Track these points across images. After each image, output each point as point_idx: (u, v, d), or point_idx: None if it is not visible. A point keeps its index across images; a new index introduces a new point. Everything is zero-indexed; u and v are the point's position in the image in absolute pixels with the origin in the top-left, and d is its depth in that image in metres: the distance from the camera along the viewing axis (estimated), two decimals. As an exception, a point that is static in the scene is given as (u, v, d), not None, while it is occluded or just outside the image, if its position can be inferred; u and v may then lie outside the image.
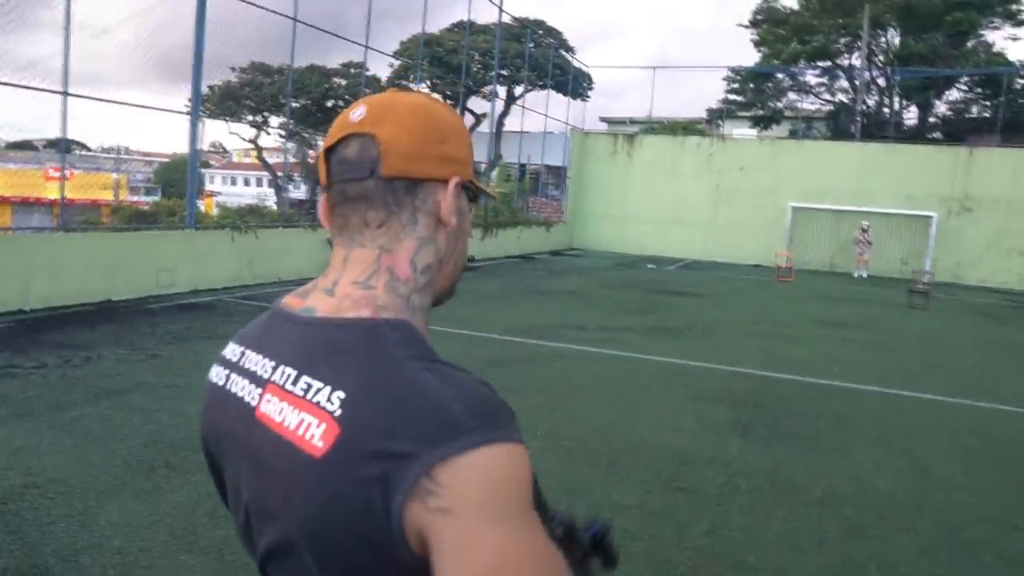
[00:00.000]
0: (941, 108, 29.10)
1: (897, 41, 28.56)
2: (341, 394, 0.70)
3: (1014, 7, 26.59)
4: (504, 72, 26.91)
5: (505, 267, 17.39)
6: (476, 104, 33.38)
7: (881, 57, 29.32)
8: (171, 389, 5.59)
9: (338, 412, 0.69)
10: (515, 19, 25.60)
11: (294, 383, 0.75)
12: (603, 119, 32.20)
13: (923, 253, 20.74)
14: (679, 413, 5.90)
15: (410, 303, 0.81)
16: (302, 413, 0.72)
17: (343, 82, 25.36)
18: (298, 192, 25.47)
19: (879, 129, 26.95)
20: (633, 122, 31.48)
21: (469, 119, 31.63)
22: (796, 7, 29.74)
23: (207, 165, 40.63)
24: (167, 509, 3.58)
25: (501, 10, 19.82)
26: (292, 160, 24.68)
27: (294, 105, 20.49)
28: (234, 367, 0.85)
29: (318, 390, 0.72)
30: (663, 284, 15.35)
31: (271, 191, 25.62)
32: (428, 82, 26.76)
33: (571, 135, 25.32)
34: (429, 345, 0.76)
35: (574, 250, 23.72)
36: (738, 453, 4.97)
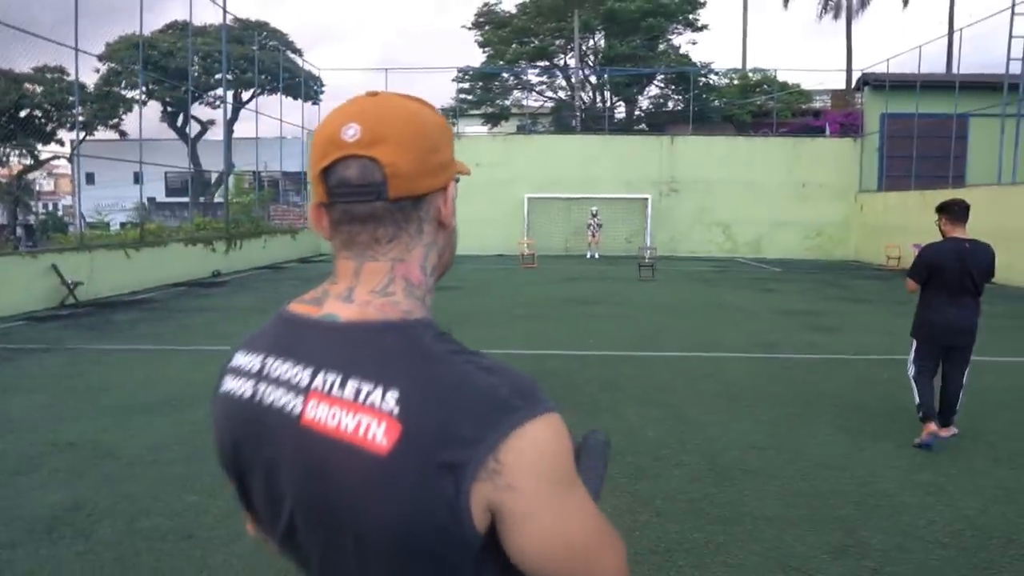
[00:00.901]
0: (644, 102, 32.87)
1: (604, 43, 31.75)
2: (395, 393, 0.75)
3: (692, 16, 31.05)
4: (229, 76, 25.51)
5: (255, 279, 16.60)
6: (202, 111, 31.32)
7: (592, 57, 32.40)
8: None
9: (396, 410, 0.74)
10: (237, 20, 24.43)
11: (341, 387, 0.78)
12: (339, 122, 31.72)
13: (644, 231, 23.33)
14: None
15: (425, 303, 0.88)
16: (358, 415, 0.76)
17: (38, 88, 22.41)
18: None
19: (595, 123, 29.75)
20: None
21: (195, 127, 29.58)
22: (514, 11, 31.76)
23: None
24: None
25: (225, 10, 18.76)
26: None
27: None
28: (259, 377, 0.86)
29: (369, 392, 0.76)
30: (421, 281, 15.60)
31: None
32: (144, 87, 24.54)
33: (308, 140, 24.75)
34: (455, 338, 0.84)
35: (323, 256, 23.24)
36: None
